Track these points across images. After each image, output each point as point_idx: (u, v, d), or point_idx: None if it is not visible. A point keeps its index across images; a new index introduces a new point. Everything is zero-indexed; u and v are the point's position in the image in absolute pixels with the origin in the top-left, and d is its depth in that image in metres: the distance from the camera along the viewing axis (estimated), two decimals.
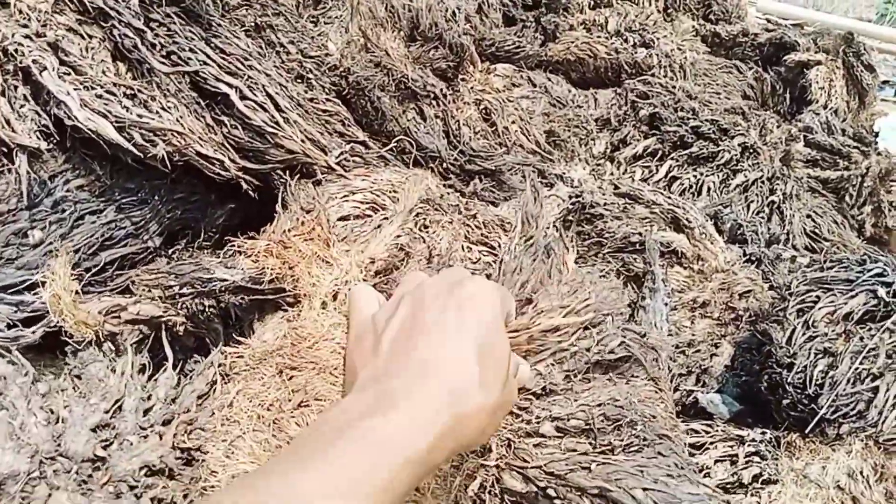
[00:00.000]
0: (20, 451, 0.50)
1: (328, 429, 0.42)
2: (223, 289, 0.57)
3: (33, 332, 0.55)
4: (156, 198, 0.65)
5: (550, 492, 0.53)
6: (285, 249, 0.59)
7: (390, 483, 0.39)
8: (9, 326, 0.54)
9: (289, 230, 0.60)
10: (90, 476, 0.50)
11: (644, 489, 0.53)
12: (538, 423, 0.56)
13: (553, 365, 0.56)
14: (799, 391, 0.75)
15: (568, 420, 0.56)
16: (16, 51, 0.60)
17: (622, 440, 0.55)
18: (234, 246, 0.61)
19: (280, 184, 0.67)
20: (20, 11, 0.62)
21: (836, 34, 1.56)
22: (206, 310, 0.59)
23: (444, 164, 0.81)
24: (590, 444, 0.55)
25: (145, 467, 0.52)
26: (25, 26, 0.62)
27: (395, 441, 0.41)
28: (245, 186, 0.66)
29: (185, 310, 0.59)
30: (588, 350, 0.57)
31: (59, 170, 0.60)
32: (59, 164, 0.61)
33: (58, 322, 0.54)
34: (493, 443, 0.55)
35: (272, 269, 0.58)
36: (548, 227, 0.91)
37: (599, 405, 0.56)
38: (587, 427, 0.55)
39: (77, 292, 0.56)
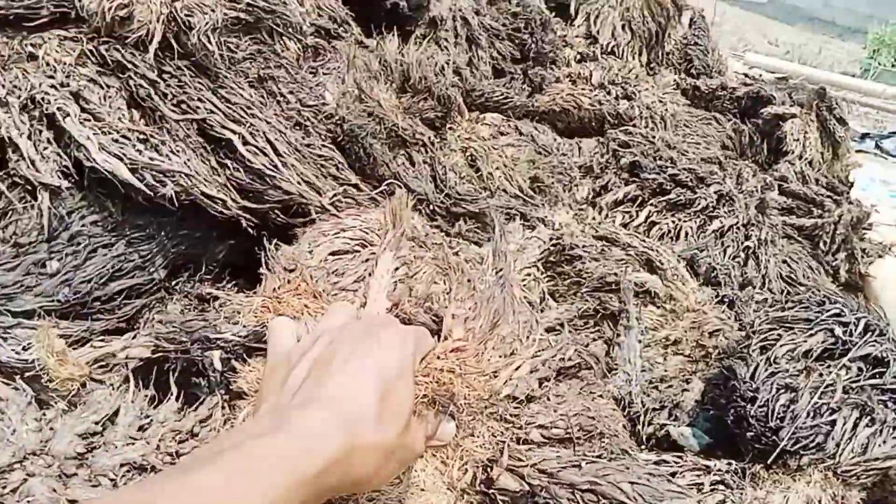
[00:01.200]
0: (5, 448, 0.54)
1: (220, 446, 0.43)
2: (228, 345, 0.62)
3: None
4: (162, 233, 0.71)
5: (543, 490, 0.58)
6: (280, 304, 0.65)
7: (273, 501, 0.39)
8: (24, 349, 0.59)
9: (277, 288, 0.66)
10: (71, 470, 0.54)
11: (630, 483, 0.58)
12: (527, 429, 0.61)
13: (529, 374, 0.61)
14: (762, 424, 0.79)
15: (551, 428, 0.61)
16: (42, 99, 0.67)
17: (593, 451, 0.60)
18: (232, 302, 0.67)
19: (276, 224, 0.73)
20: (47, 64, 0.69)
21: (811, 89, 1.64)
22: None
23: (431, 207, 0.87)
24: (573, 452, 0.61)
25: (127, 464, 0.56)
26: (52, 77, 0.68)
27: (282, 460, 0.41)
28: (245, 224, 0.72)
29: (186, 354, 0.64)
30: (553, 357, 0.62)
31: (76, 206, 0.66)
32: (76, 202, 0.66)
33: (45, 381, 0.60)
34: (485, 442, 0.59)
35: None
36: (526, 268, 0.97)
37: (575, 415, 0.61)
38: (567, 436, 0.61)
39: (63, 351, 0.60)
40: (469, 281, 0.67)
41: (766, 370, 0.82)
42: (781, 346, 0.83)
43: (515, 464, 0.59)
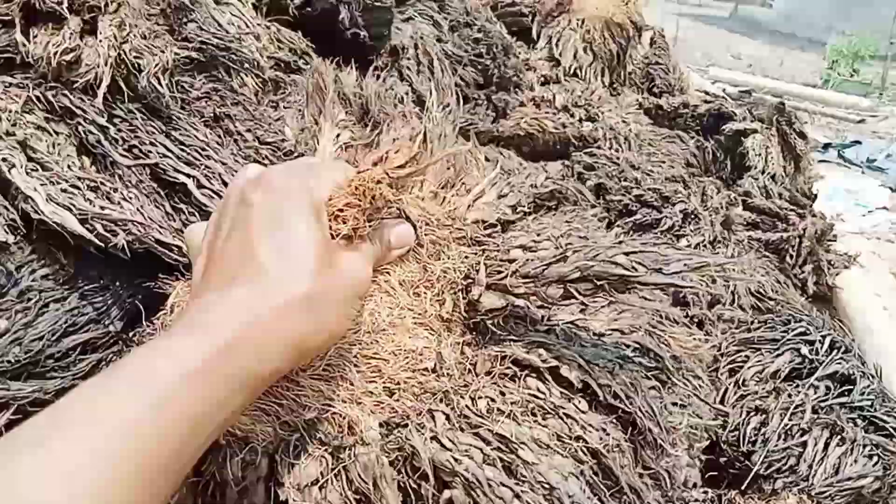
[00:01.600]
0: None
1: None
2: None
3: None
4: (117, 283, 0.69)
5: (532, 296, 0.51)
6: None
7: (166, 393, 0.37)
8: None
9: None
10: None
11: (626, 253, 0.49)
12: (505, 249, 0.55)
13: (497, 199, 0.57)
14: (734, 449, 0.79)
15: (535, 249, 0.54)
16: None
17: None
18: None
19: None
20: None
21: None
22: None
23: None
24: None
25: None
26: None
27: (175, 361, 0.38)
28: None
29: None
30: (523, 184, 0.56)
31: (25, 260, 0.64)
32: (25, 255, 0.64)
33: None
34: (457, 266, 0.54)
35: None
36: None
37: (563, 235, 0.55)
38: (559, 256, 0.52)
39: None
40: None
41: (736, 393, 0.82)
42: (749, 367, 0.84)
43: (495, 280, 0.52)
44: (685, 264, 0.47)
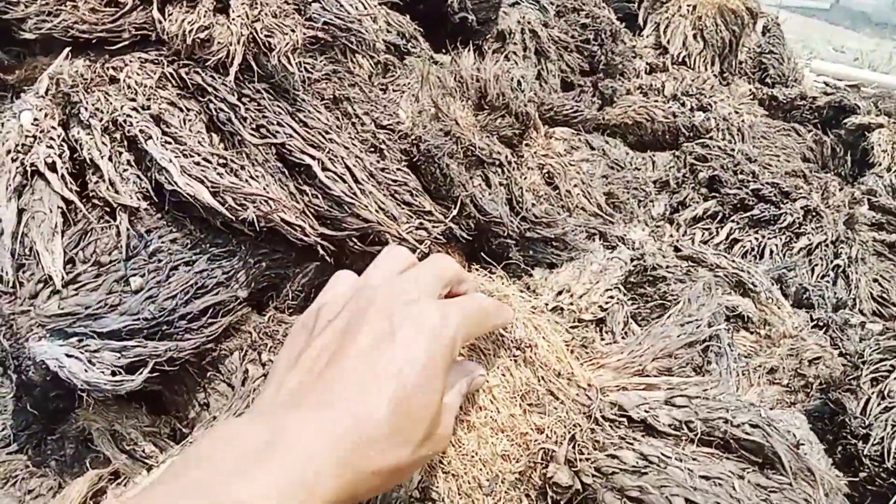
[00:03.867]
0: None
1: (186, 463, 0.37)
2: None
3: (133, 379, 0.59)
4: (243, 249, 0.69)
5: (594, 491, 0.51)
6: None
7: None
8: (112, 374, 0.58)
9: None
10: None
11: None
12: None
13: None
14: (877, 464, 0.73)
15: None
16: (124, 121, 0.66)
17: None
18: None
19: (353, 251, 0.71)
20: (128, 87, 0.68)
21: None
22: None
23: (506, 231, 0.83)
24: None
25: None
26: (133, 100, 0.67)
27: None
28: (321, 252, 0.70)
29: None
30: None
31: (153, 225, 0.65)
32: (153, 221, 0.65)
33: None
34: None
35: None
36: (608, 289, 0.92)
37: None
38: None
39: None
40: None
41: (880, 404, 0.76)
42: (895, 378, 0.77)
43: (575, 456, 0.52)
44: None
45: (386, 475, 0.38)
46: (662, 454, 0.52)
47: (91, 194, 0.65)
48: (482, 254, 0.87)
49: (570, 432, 0.53)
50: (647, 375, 0.62)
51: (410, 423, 0.39)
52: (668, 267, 0.95)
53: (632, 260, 0.97)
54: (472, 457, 0.51)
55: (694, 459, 0.51)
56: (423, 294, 0.45)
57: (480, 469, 0.51)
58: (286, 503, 0.34)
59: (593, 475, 0.52)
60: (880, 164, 1.44)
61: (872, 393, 0.76)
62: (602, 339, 0.90)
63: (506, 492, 0.52)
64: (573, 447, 0.53)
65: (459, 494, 0.50)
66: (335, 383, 0.39)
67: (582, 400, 0.55)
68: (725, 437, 0.54)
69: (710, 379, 0.61)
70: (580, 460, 0.52)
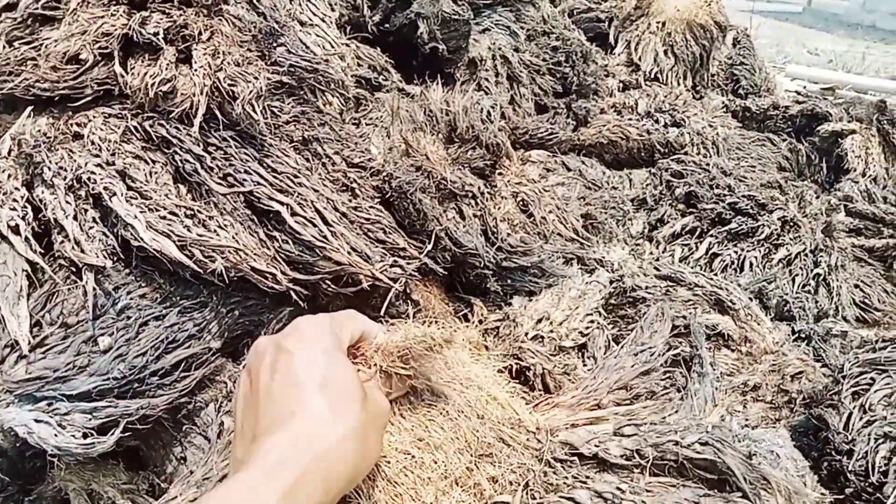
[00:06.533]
0: None
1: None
2: None
3: (105, 440, 0.58)
4: (214, 299, 0.69)
5: None
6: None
7: None
8: (84, 436, 0.57)
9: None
10: None
11: None
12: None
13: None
14: (861, 479, 0.72)
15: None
16: (89, 178, 0.66)
17: None
18: None
19: (327, 294, 0.70)
20: (92, 142, 0.68)
21: (869, 102, 1.57)
22: None
23: (483, 263, 0.83)
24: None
25: None
26: (97, 155, 0.67)
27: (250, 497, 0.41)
28: (294, 297, 0.69)
29: None
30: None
31: (121, 282, 0.64)
32: (121, 277, 0.65)
33: None
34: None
35: None
36: (588, 314, 0.92)
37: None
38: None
39: None
40: None
41: (862, 419, 0.75)
42: (876, 391, 0.77)
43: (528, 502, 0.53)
44: None
45: (346, 446, 0.45)
46: (617, 489, 0.52)
47: (56, 254, 0.65)
48: (459, 286, 0.87)
49: (522, 479, 0.53)
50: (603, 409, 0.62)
51: (340, 395, 0.47)
52: (647, 287, 0.95)
53: (611, 282, 0.97)
54: None
55: (648, 491, 0.52)
56: (292, 328, 0.52)
57: None
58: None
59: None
60: (855, 170, 1.45)
61: (854, 407, 0.76)
62: (584, 365, 0.90)
63: None
64: (527, 493, 0.53)
65: None
66: (262, 422, 0.46)
67: (532, 444, 0.55)
68: (678, 459, 0.54)
69: (672, 404, 0.61)
70: None
